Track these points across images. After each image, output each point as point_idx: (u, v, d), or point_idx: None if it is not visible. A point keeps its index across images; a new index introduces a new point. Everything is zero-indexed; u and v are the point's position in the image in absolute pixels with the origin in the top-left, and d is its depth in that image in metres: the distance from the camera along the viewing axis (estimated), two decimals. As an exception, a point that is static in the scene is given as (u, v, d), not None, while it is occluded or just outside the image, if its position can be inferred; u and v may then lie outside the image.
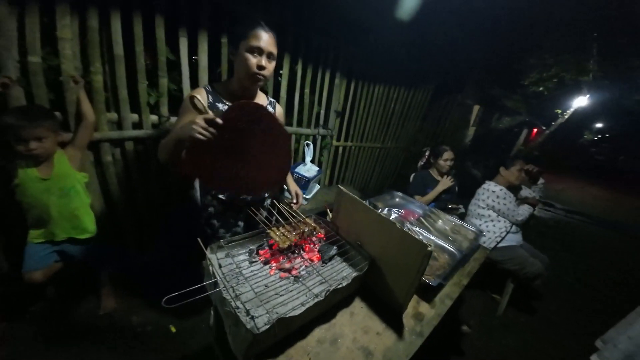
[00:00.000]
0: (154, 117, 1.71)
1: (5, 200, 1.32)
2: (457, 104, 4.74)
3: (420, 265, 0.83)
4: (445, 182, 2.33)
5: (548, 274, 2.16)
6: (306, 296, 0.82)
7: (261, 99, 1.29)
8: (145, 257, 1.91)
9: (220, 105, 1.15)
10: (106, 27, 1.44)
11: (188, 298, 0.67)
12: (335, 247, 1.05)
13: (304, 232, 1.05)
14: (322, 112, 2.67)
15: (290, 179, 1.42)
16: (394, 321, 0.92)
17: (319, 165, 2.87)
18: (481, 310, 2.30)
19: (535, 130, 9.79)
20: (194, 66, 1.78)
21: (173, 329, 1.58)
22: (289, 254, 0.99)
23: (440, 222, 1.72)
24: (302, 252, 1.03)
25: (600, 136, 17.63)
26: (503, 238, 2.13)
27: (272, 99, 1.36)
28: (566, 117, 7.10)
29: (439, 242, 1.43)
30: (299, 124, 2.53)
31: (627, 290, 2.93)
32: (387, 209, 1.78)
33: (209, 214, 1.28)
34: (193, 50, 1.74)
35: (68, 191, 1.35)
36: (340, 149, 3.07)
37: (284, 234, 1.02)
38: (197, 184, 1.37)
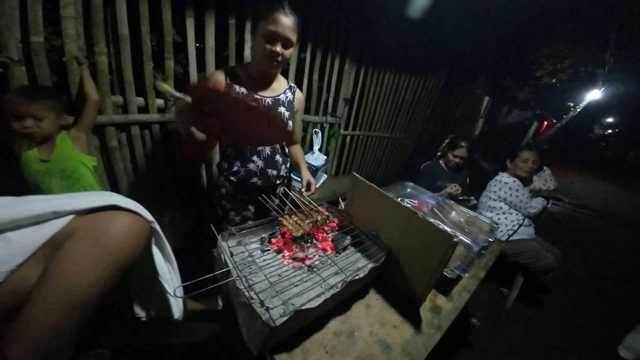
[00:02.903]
0: (160, 101, 1.65)
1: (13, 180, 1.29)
2: (469, 94, 4.61)
3: (444, 256, 0.79)
4: (455, 189, 2.16)
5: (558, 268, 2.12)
6: (321, 287, 0.79)
7: (281, 83, 1.24)
8: None
9: (237, 88, 1.10)
10: (111, 5, 1.37)
11: (199, 288, 0.64)
12: (349, 237, 1.01)
13: (317, 221, 1.01)
14: (331, 99, 2.59)
15: (303, 166, 1.38)
16: (411, 314, 0.89)
17: (327, 154, 2.81)
18: (489, 303, 2.28)
19: (545, 123, 9.58)
20: (201, 49, 1.71)
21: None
22: (302, 243, 0.96)
23: (454, 213, 1.67)
24: (315, 241, 0.99)
25: (610, 131, 17.24)
26: (515, 231, 2.08)
27: (292, 84, 1.30)
28: (578, 110, 6.90)
29: (456, 233, 1.39)
30: (307, 112, 2.46)
31: (637, 286, 2.89)
32: (399, 199, 1.73)
33: (221, 194, 1.25)
34: (200, 33, 1.66)
35: (70, 174, 1.29)
36: (348, 138, 3.00)
37: (296, 222, 0.98)
38: (203, 169, 1.33)
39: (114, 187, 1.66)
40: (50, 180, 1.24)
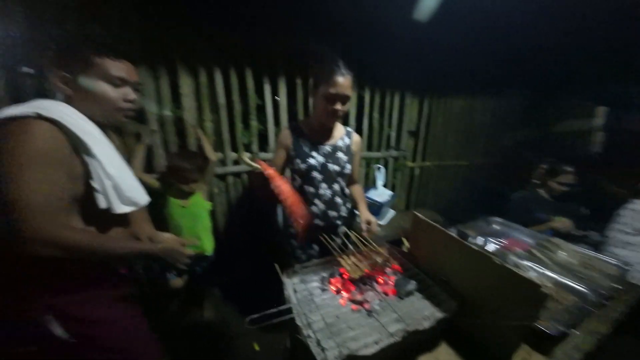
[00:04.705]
0: (247, 154, 2.01)
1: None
2: (572, 107, 3.85)
3: (531, 310, 0.66)
4: (564, 224, 1.79)
5: None
6: (380, 334, 0.75)
7: (339, 130, 1.37)
8: (237, 274, 2.15)
9: (301, 140, 1.28)
10: (212, 81, 1.81)
11: (269, 319, 0.72)
12: (413, 282, 0.94)
13: (377, 263, 0.99)
14: (394, 133, 2.60)
15: (362, 205, 1.40)
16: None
17: (393, 189, 2.74)
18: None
19: None
20: (276, 106, 2.06)
21: (256, 347, 1.68)
22: (361, 285, 0.94)
23: (562, 253, 1.35)
24: (374, 284, 0.96)
25: None
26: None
27: (349, 129, 1.41)
28: None
29: (562, 279, 1.11)
30: (369, 148, 2.52)
31: None
32: (481, 238, 1.52)
33: (290, 233, 1.38)
34: (274, 91, 2.02)
35: (197, 217, 1.67)
36: (417, 169, 2.87)
37: (355, 264, 0.98)
38: (279, 209, 1.51)
39: (215, 224, 2.00)
40: (184, 221, 1.63)
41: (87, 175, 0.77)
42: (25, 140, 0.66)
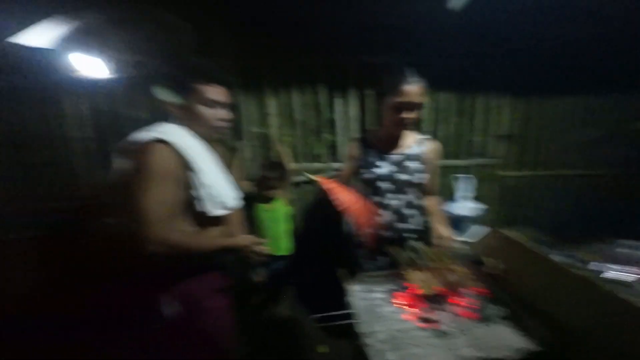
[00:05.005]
0: (319, 165, 2.16)
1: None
2: None
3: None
4: None
5: None
6: (449, 356, 0.69)
7: (410, 138, 1.33)
8: (309, 276, 2.26)
9: (368, 150, 1.30)
10: (288, 98, 2.05)
11: (331, 320, 0.76)
12: (498, 307, 0.82)
13: (452, 282, 0.91)
14: (480, 139, 2.31)
15: (437, 218, 1.30)
16: None
17: (481, 201, 2.41)
18: None
19: None
20: (346, 119, 2.16)
21: (323, 349, 1.70)
22: (432, 303, 0.88)
23: None
24: (448, 304, 0.88)
25: None
26: None
27: (423, 137, 1.35)
28: None
29: None
30: (447, 156, 2.30)
31: None
32: (601, 263, 1.19)
33: (355, 242, 1.40)
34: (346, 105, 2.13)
35: (277, 220, 1.91)
36: (512, 180, 2.45)
37: (427, 280, 0.93)
38: (346, 218, 1.55)
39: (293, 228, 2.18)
40: (267, 223, 1.87)
41: (190, 185, 0.93)
42: (148, 161, 0.85)
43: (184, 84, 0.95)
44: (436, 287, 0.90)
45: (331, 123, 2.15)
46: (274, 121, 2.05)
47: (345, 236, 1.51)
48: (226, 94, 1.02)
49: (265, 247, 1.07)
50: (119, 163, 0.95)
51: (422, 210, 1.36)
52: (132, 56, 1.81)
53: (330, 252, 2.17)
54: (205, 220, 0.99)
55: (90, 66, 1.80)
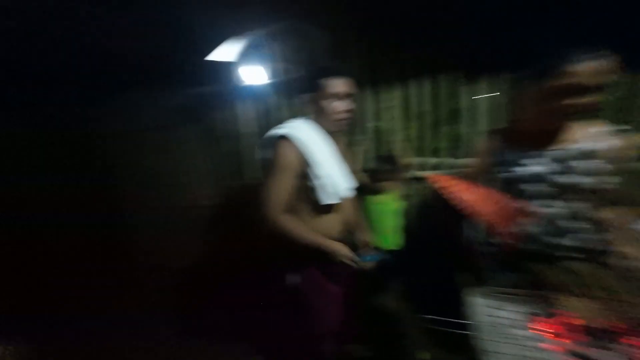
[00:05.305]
0: (446, 160, 2.01)
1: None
2: None
3: None
4: None
5: None
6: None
7: (578, 131, 1.00)
8: (419, 275, 2.18)
9: (507, 146, 1.10)
10: (405, 88, 1.98)
11: (445, 325, 0.76)
12: None
13: (633, 317, 0.69)
14: None
15: (624, 235, 0.96)
16: None
17: None
18: None
19: None
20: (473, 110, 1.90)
21: (424, 356, 1.58)
22: (596, 339, 0.70)
23: None
24: (619, 343, 0.68)
25: None
26: None
27: (605, 129, 0.99)
28: None
29: None
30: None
31: None
32: None
33: (487, 250, 1.25)
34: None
35: (386, 214, 1.93)
36: None
37: (590, 310, 0.74)
38: (469, 221, 1.39)
39: (405, 223, 2.14)
40: (376, 216, 1.92)
41: (308, 176, 1.04)
42: (276, 155, 1.01)
43: (313, 82, 1.06)
44: (605, 320, 0.71)
45: (455, 114, 1.94)
46: (391, 114, 2.04)
47: (467, 240, 1.36)
48: (349, 85, 1.08)
49: (355, 259, 1.14)
50: (260, 154, 1.17)
51: (595, 224, 1.03)
52: (282, 64, 2.21)
53: (446, 254, 2.00)
54: (320, 207, 1.11)
55: (254, 74, 2.29)
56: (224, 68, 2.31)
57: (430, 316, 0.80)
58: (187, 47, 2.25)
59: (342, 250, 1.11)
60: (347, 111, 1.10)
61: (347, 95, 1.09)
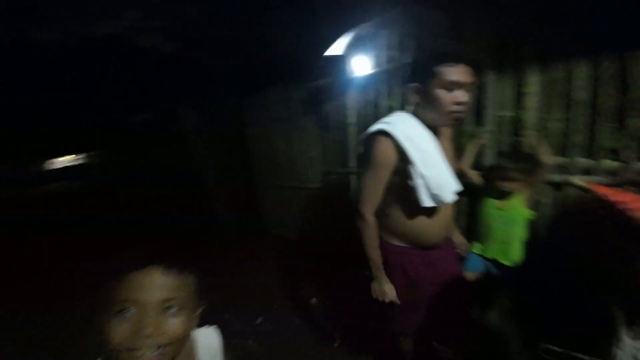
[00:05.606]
0: (613, 163, 1.45)
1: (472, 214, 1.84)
2: None
3: None
4: None
5: None
6: None
7: None
8: (540, 296, 1.75)
9: None
10: (568, 77, 1.51)
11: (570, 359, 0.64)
12: None
13: None
14: None
15: None
16: None
17: None
18: None
19: None
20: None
21: None
22: None
23: None
24: None
25: None
26: None
27: None
28: None
29: None
30: None
31: None
32: None
33: None
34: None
35: (511, 222, 1.54)
36: None
37: None
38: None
39: (533, 235, 1.70)
40: (496, 223, 1.58)
41: (407, 175, 0.97)
42: (371, 150, 0.98)
43: (424, 68, 0.94)
44: None
45: (624, 104, 1.37)
46: (532, 102, 1.62)
47: (633, 268, 1.01)
48: (469, 74, 0.92)
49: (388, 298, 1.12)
50: (359, 150, 1.20)
51: None
52: (393, 52, 2.13)
53: (594, 278, 1.50)
54: (418, 210, 1.03)
55: (362, 65, 2.32)
56: (339, 61, 2.45)
57: (549, 346, 0.68)
58: (308, 44, 2.50)
59: (385, 289, 1.13)
60: (462, 103, 0.93)
61: (463, 85, 0.91)
